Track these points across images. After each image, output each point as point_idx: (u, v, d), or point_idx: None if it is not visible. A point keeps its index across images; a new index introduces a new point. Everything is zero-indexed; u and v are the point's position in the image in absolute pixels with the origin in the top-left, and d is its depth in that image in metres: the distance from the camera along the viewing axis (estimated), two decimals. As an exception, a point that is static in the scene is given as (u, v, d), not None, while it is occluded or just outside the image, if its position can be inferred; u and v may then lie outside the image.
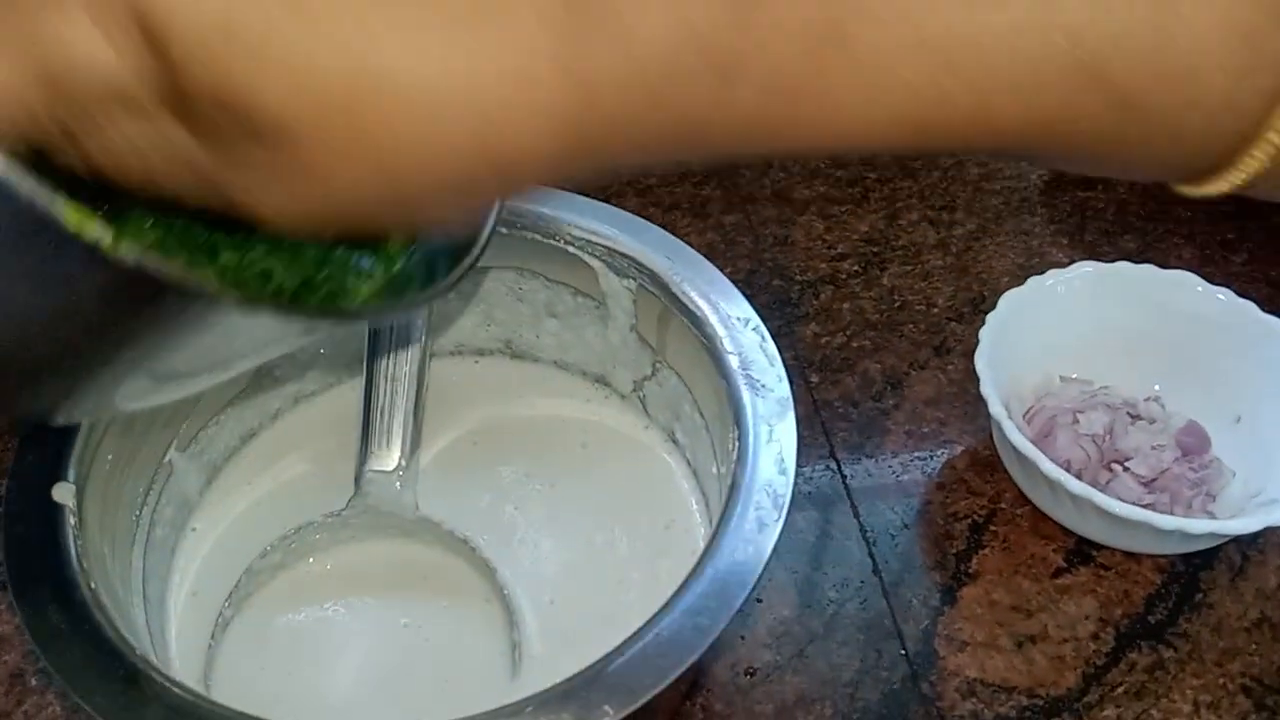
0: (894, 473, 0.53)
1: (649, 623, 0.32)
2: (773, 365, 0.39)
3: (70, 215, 0.21)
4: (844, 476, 0.52)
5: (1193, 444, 0.50)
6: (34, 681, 0.45)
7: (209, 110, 0.21)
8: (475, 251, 0.30)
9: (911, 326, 0.59)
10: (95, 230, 0.21)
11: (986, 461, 0.53)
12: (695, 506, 0.45)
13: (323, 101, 0.21)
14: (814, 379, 0.56)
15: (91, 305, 0.23)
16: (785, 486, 0.35)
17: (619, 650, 0.31)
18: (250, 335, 0.26)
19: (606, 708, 0.30)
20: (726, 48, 0.21)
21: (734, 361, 0.39)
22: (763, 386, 0.39)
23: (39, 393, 0.28)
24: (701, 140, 0.23)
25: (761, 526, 0.34)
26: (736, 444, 0.37)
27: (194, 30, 0.20)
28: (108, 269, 0.22)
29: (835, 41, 0.21)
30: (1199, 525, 0.44)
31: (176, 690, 0.31)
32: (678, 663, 0.31)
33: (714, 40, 0.21)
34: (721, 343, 0.40)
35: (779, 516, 0.35)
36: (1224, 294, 0.51)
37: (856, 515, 0.51)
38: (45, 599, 0.33)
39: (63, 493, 0.35)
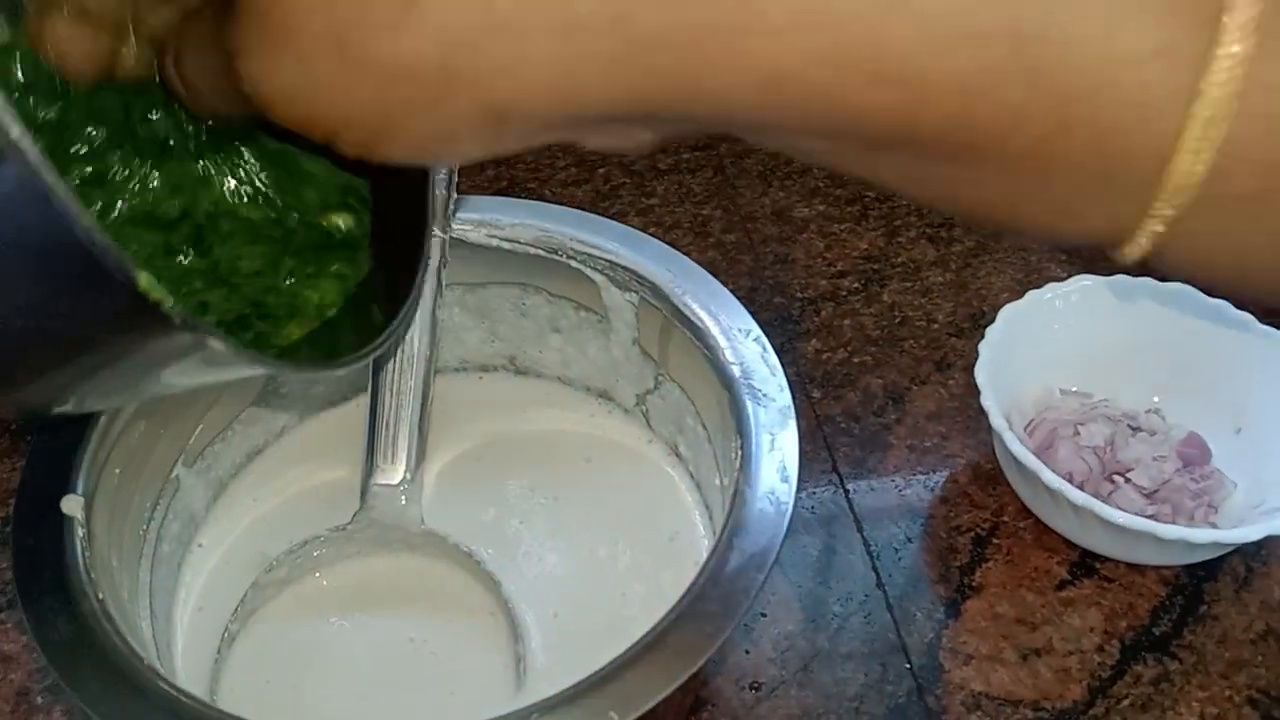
0: (897, 487, 0.53)
1: (654, 629, 0.32)
2: (774, 375, 0.40)
3: (144, 277, 0.21)
4: (847, 491, 0.52)
5: (1194, 455, 0.50)
6: (40, 700, 0.45)
7: None
8: (397, 324, 0.30)
9: (912, 342, 0.59)
10: (160, 292, 0.21)
11: (989, 475, 0.53)
12: (699, 519, 0.45)
13: None
14: (816, 394, 0.57)
15: (90, 332, 0.23)
16: (788, 494, 0.36)
17: (624, 657, 0.32)
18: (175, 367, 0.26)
19: (611, 714, 0.30)
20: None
21: (736, 372, 0.40)
22: (764, 396, 0.39)
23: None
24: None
25: (764, 534, 0.34)
26: (739, 453, 0.37)
27: None
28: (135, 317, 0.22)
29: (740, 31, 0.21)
30: (1201, 535, 0.44)
31: (185, 700, 0.31)
32: (682, 669, 0.31)
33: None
34: (723, 353, 0.41)
35: (782, 524, 0.35)
36: (1223, 305, 0.52)
37: (860, 530, 0.51)
38: (54, 609, 0.33)
39: (71, 505, 0.36)
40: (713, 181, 0.69)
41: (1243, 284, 0.24)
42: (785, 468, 0.37)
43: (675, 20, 0.21)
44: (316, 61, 0.22)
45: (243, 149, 0.28)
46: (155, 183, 0.27)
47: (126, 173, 0.27)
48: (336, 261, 0.30)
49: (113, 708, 0.31)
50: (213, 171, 0.28)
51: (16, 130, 0.19)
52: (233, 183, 0.28)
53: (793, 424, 0.38)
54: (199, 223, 0.27)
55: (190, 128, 0.28)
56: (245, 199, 0.28)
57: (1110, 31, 0.20)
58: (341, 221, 0.30)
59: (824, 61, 0.21)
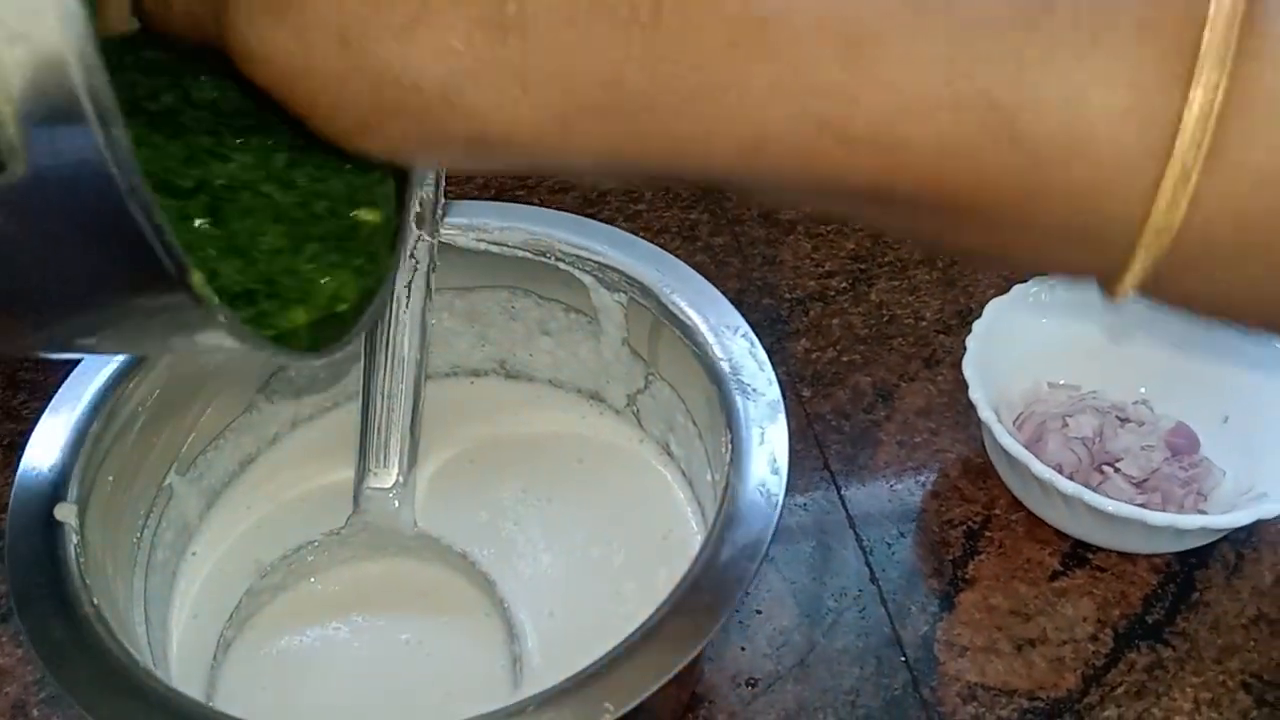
0: (888, 483, 0.53)
1: (647, 622, 0.32)
2: (763, 370, 0.40)
3: (196, 277, 0.21)
4: (838, 488, 0.53)
5: (1182, 445, 0.51)
6: (36, 713, 0.45)
7: None
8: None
9: (900, 340, 0.60)
10: (208, 290, 0.22)
11: (979, 469, 0.53)
12: (691, 516, 0.45)
13: None
14: (806, 393, 0.57)
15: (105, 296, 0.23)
16: (779, 486, 0.36)
17: (619, 649, 0.32)
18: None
19: (607, 705, 0.30)
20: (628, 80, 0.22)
21: (725, 368, 0.40)
22: (753, 391, 0.39)
23: None
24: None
25: (756, 524, 0.35)
26: (730, 447, 0.38)
27: None
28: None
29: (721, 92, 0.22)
30: (1190, 521, 0.44)
31: (182, 702, 0.31)
32: (677, 660, 0.31)
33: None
34: (712, 350, 0.41)
35: (773, 515, 0.35)
36: (1206, 296, 0.52)
37: (852, 525, 0.51)
38: (49, 614, 0.33)
39: (65, 512, 0.36)
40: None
41: (1233, 319, 0.25)
42: (775, 460, 0.37)
43: (661, 85, 0.21)
44: (315, 43, 0.22)
45: (264, 134, 0.28)
46: (169, 151, 0.27)
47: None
48: (360, 256, 0.30)
49: (110, 711, 0.31)
50: (228, 151, 0.28)
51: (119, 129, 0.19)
52: (250, 159, 0.28)
53: (782, 418, 0.38)
54: (216, 194, 0.27)
55: (204, 108, 0.28)
56: (265, 177, 0.28)
57: (1081, 94, 0.21)
58: (370, 216, 0.30)
59: (802, 128, 0.22)
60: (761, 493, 0.36)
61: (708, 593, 0.33)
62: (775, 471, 0.36)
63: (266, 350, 0.25)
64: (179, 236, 0.25)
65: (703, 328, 0.42)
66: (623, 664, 0.31)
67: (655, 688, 0.31)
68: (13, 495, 0.37)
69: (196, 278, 0.21)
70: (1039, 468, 0.45)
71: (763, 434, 0.38)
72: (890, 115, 0.21)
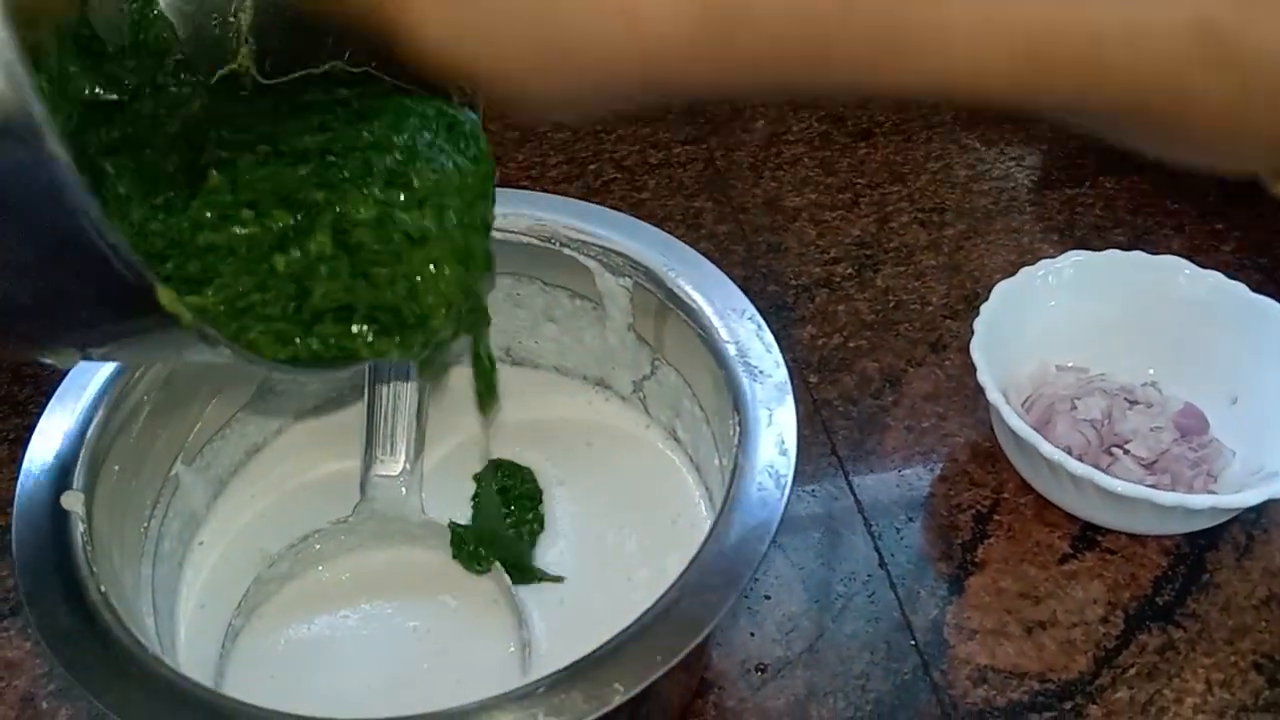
0: (896, 468, 0.53)
1: (658, 602, 0.32)
2: (769, 352, 0.40)
3: (164, 294, 0.21)
4: (846, 473, 0.52)
5: (1191, 426, 0.50)
6: (45, 705, 0.45)
7: None
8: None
9: (907, 325, 0.60)
10: (179, 307, 0.22)
11: (988, 453, 0.53)
12: (700, 500, 0.45)
13: None
14: (813, 379, 0.57)
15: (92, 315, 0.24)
16: (787, 467, 0.36)
17: (628, 632, 0.32)
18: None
19: (617, 685, 0.30)
20: None
21: (731, 350, 0.40)
22: (760, 373, 0.39)
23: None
24: (821, 63, 0.25)
25: (765, 505, 0.35)
26: (737, 430, 0.37)
27: None
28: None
29: None
30: (1200, 501, 0.44)
31: (190, 687, 0.31)
32: (687, 640, 0.31)
33: None
34: (718, 333, 0.41)
35: (781, 496, 0.35)
36: (1214, 277, 0.52)
37: (861, 511, 0.51)
38: (56, 602, 0.33)
39: (71, 500, 0.36)
40: (704, 174, 0.69)
41: None
42: (783, 441, 0.37)
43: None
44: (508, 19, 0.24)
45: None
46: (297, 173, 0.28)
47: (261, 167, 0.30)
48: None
49: (118, 697, 0.31)
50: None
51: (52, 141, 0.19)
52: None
53: (789, 399, 0.38)
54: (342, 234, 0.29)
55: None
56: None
57: None
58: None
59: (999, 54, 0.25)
60: (770, 474, 0.36)
61: (716, 575, 0.33)
62: (783, 453, 0.36)
63: (261, 366, 0.26)
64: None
65: (708, 311, 0.42)
66: (632, 646, 0.31)
67: (665, 669, 0.30)
68: (19, 484, 0.37)
69: (165, 296, 0.21)
70: (1048, 449, 0.45)
71: (770, 416, 0.38)
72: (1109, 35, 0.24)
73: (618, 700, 0.30)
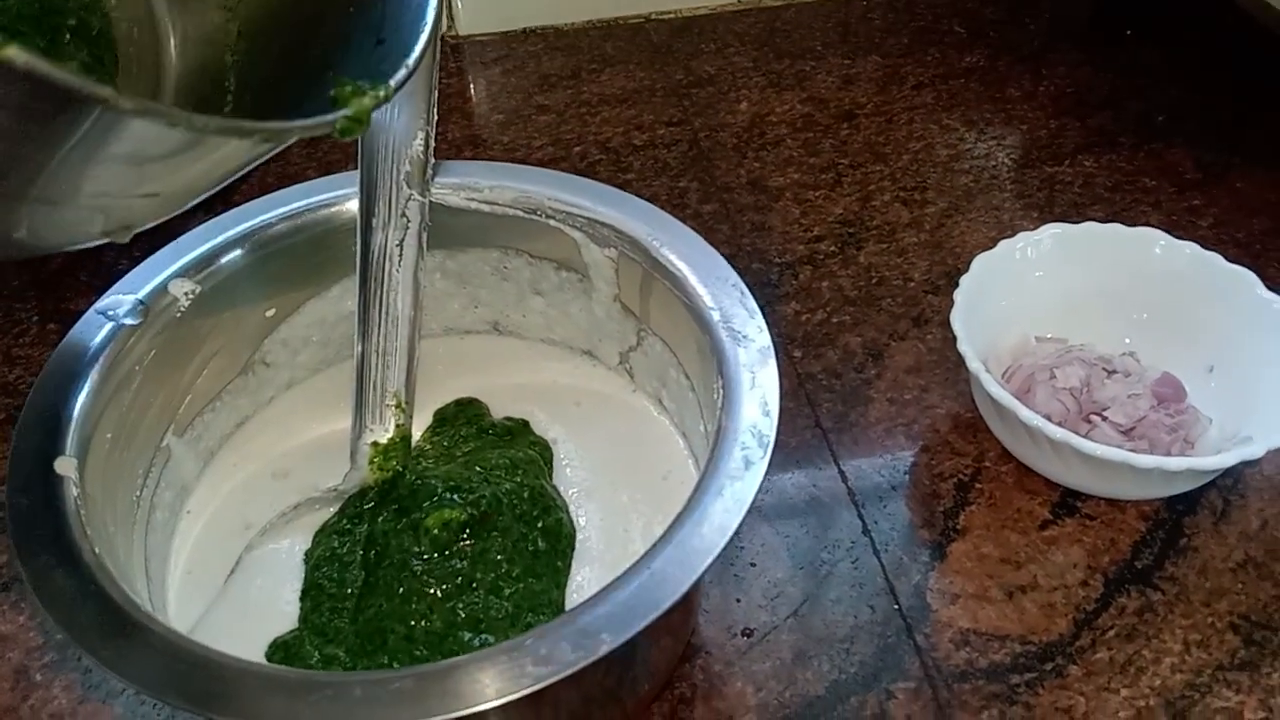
0: (879, 439, 0.54)
1: (645, 556, 0.33)
2: (753, 318, 0.40)
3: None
4: (831, 444, 0.53)
5: (1168, 394, 0.51)
6: (38, 677, 0.45)
7: None
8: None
9: (889, 301, 0.60)
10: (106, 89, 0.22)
11: (969, 423, 0.54)
12: (688, 461, 0.46)
13: None
14: (797, 354, 0.58)
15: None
16: (770, 427, 0.36)
17: (616, 583, 0.32)
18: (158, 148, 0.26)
19: (604, 635, 0.31)
20: None
21: (715, 316, 0.41)
22: (744, 337, 0.40)
23: None
24: None
25: (749, 464, 0.35)
26: (721, 392, 0.38)
27: None
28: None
29: None
30: (1176, 463, 0.45)
31: (183, 644, 0.32)
32: (673, 591, 0.32)
33: None
34: (702, 300, 0.41)
35: (764, 454, 0.36)
36: (1190, 248, 0.53)
37: (844, 480, 0.52)
38: (51, 564, 0.33)
39: (65, 465, 0.36)
40: (688, 155, 0.70)
41: None
42: (766, 403, 0.37)
43: None
44: None
45: None
46: None
47: None
48: None
49: (113, 654, 0.31)
50: None
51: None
52: None
53: (772, 362, 0.39)
54: None
55: None
56: None
57: None
58: None
59: None
60: (753, 434, 0.36)
61: (702, 525, 0.33)
62: (766, 414, 0.37)
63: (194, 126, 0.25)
64: None
65: (693, 278, 0.42)
66: (620, 596, 0.32)
67: (651, 619, 0.31)
68: (11, 449, 0.37)
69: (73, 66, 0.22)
70: (1027, 414, 0.46)
71: (754, 378, 0.38)
72: None
73: (604, 650, 0.30)
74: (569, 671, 0.30)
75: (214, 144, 0.27)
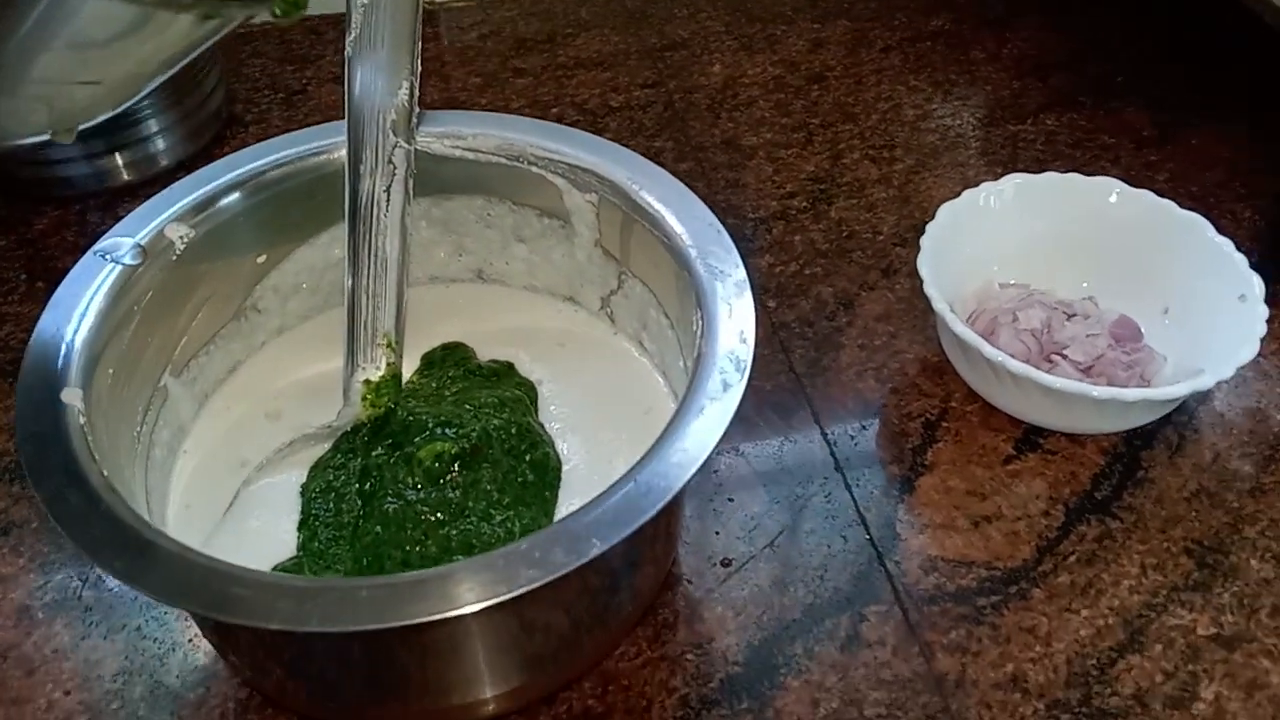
0: (850, 382, 0.56)
1: (631, 470, 0.35)
2: (729, 253, 0.42)
3: None
4: (804, 388, 0.55)
5: (1125, 334, 0.54)
6: (40, 615, 0.47)
7: None
8: None
9: (860, 253, 0.62)
10: None
11: (936, 367, 0.56)
12: (668, 398, 0.48)
13: None
14: (771, 304, 0.60)
15: None
16: (746, 354, 0.38)
17: (605, 494, 0.34)
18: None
19: (594, 540, 0.33)
20: None
21: (693, 253, 0.42)
22: (721, 272, 0.42)
23: None
24: None
25: (726, 386, 0.37)
26: (700, 323, 0.40)
27: None
28: None
29: None
30: (1131, 394, 0.47)
31: (194, 556, 0.33)
32: (659, 499, 0.34)
33: None
34: (681, 239, 0.43)
35: (741, 378, 0.37)
36: (1146, 195, 0.55)
37: (817, 421, 0.54)
38: (63, 485, 0.35)
39: (71, 395, 0.38)
40: (663, 116, 0.72)
41: None
42: (743, 332, 0.39)
43: None
44: None
45: None
46: None
47: None
48: None
49: (129, 567, 0.33)
50: None
51: None
52: None
53: (748, 294, 0.41)
54: None
55: None
56: None
57: None
58: None
59: None
60: (731, 360, 0.38)
61: (685, 439, 0.35)
62: (743, 341, 0.39)
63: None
64: None
65: (671, 219, 0.44)
66: (606, 506, 0.34)
67: (640, 522, 0.33)
68: (19, 379, 0.38)
69: None
70: (990, 351, 0.48)
71: (730, 310, 0.40)
72: None
73: (594, 553, 0.32)
74: (562, 573, 0.32)
75: (157, 25, 0.27)
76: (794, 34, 0.80)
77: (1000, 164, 0.68)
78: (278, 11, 0.30)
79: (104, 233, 0.44)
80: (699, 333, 0.40)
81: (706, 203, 0.64)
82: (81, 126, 0.32)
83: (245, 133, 0.71)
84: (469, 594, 0.31)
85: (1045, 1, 0.83)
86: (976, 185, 0.55)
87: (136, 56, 0.29)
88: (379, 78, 0.44)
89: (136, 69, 0.31)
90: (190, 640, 0.45)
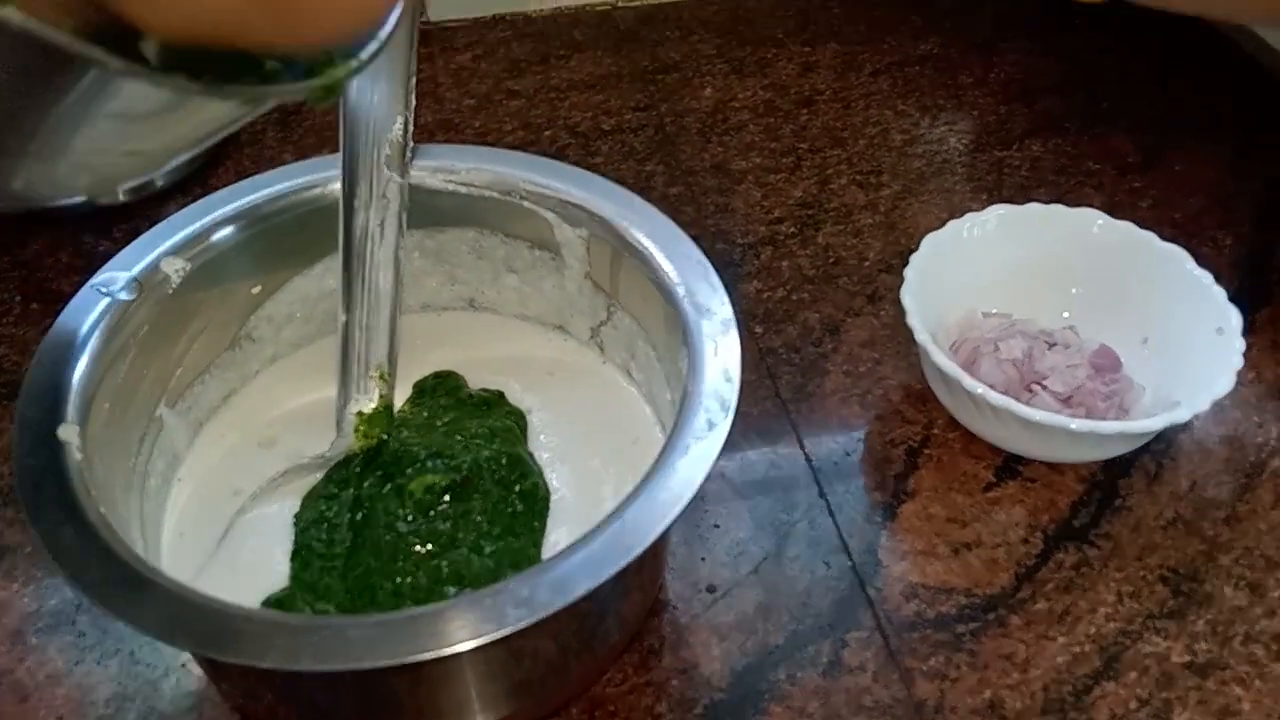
0: (835, 408, 0.57)
1: (617, 508, 0.36)
2: (716, 292, 0.43)
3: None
4: (789, 414, 0.56)
5: (1105, 364, 0.55)
6: (34, 640, 0.47)
7: None
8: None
9: (846, 279, 0.63)
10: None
11: (919, 394, 0.57)
12: (656, 428, 0.48)
13: None
14: (759, 330, 0.60)
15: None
16: (731, 392, 0.39)
17: (591, 533, 0.35)
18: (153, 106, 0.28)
19: (580, 579, 0.33)
20: None
21: (681, 291, 0.43)
22: (707, 310, 0.42)
23: None
24: None
25: (712, 425, 0.38)
26: (687, 361, 0.41)
27: None
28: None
29: None
30: (1108, 426, 0.48)
31: (188, 594, 0.34)
32: (644, 539, 0.34)
33: None
34: (668, 276, 0.44)
35: (726, 416, 0.38)
36: (1126, 226, 0.56)
37: (802, 447, 0.55)
38: (59, 521, 0.36)
39: (68, 432, 0.38)
40: (654, 140, 0.73)
41: None
42: (728, 371, 0.40)
43: None
44: None
45: None
46: None
47: None
48: None
49: (124, 604, 0.34)
50: None
51: None
52: None
53: (734, 333, 0.42)
54: None
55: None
56: None
57: None
58: None
59: None
60: (716, 398, 0.39)
61: (670, 478, 0.36)
62: (728, 380, 0.40)
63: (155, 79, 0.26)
64: None
65: (659, 256, 0.45)
66: (593, 546, 0.34)
67: (625, 563, 0.34)
68: (16, 416, 0.39)
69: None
70: (970, 383, 0.49)
71: (716, 348, 0.41)
72: None
73: (580, 593, 0.33)
74: (547, 613, 0.33)
75: (197, 105, 0.28)
76: (784, 57, 0.80)
77: (986, 190, 0.69)
78: (313, 96, 0.31)
79: (98, 254, 0.45)
80: (685, 370, 0.41)
81: (695, 228, 0.66)
82: (123, 188, 0.33)
83: (240, 154, 0.72)
84: (458, 633, 0.32)
85: (1032, 25, 0.84)
86: (962, 212, 0.56)
87: (179, 130, 0.30)
88: (374, 113, 0.45)
89: (177, 140, 0.32)
90: (183, 665, 0.45)
